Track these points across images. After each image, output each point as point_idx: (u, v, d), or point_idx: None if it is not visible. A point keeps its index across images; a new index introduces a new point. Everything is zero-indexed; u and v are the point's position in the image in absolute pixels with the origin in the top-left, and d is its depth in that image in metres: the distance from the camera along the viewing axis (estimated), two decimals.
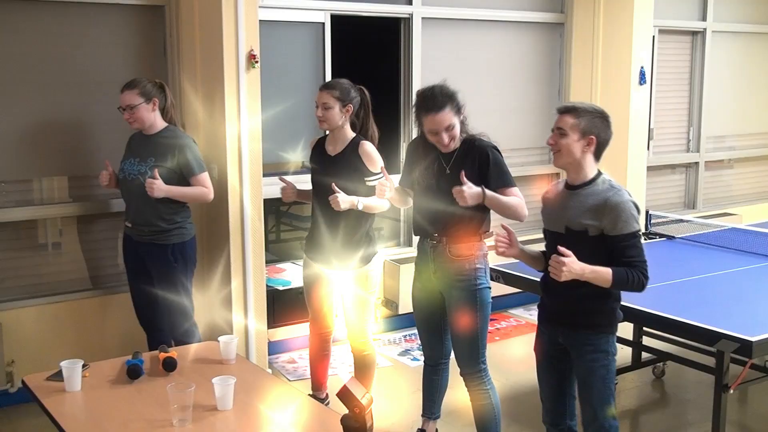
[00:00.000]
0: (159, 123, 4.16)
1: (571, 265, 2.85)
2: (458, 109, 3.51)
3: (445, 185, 3.52)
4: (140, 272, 4.24)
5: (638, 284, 2.93)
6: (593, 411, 3.06)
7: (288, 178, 4.17)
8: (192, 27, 4.69)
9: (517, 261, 3.28)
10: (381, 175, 3.85)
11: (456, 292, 3.58)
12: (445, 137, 3.47)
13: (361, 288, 3.99)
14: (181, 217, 4.18)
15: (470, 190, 3.35)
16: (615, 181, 3.05)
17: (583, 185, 3.03)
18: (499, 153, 3.55)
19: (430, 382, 3.90)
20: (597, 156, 3.05)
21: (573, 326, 3.06)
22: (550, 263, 2.91)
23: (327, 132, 4.06)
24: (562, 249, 2.87)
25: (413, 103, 3.60)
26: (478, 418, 3.69)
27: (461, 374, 3.68)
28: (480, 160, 3.49)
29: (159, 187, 3.96)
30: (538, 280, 4.16)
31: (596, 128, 3.00)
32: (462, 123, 3.55)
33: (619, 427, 3.11)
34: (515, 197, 3.50)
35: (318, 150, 4.06)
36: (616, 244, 2.92)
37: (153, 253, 4.15)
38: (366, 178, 3.87)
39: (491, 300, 3.64)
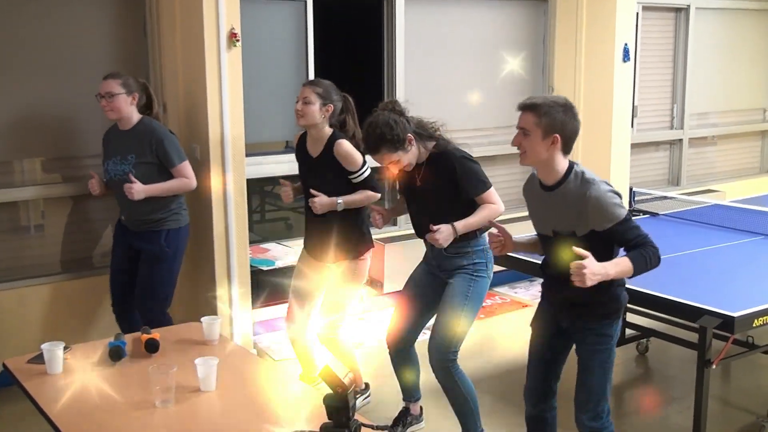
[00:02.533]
0: (135, 117, 4.13)
1: (593, 267, 2.68)
2: (397, 146, 3.44)
3: (421, 199, 3.58)
4: (127, 256, 4.25)
5: (656, 260, 2.81)
6: (589, 393, 3.01)
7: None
8: (172, 6, 4.64)
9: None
10: (365, 170, 3.87)
11: (453, 280, 3.58)
12: (393, 169, 3.52)
13: (347, 281, 3.97)
14: (176, 204, 4.20)
15: (441, 234, 3.38)
16: (588, 172, 2.88)
17: (556, 185, 2.90)
18: (469, 160, 3.51)
19: (403, 369, 3.86)
20: (566, 151, 2.88)
21: (578, 314, 2.98)
22: (571, 272, 2.72)
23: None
24: (578, 250, 2.71)
25: None
26: (454, 408, 3.65)
27: (430, 362, 3.59)
28: (448, 174, 3.47)
29: (138, 191, 3.98)
30: (523, 258, 4.21)
31: (559, 124, 2.82)
32: (422, 137, 3.53)
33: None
34: (487, 205, 3.47)
35: (301, 149, 4.03)
36: (613, 235, 2.81)
37: (146, 237, 4.17)
38: (349, 177, 3.87)
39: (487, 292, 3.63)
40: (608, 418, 3.05)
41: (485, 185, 3.49)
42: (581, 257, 2.70)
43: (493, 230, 3.15)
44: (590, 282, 2.69)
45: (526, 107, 2.88)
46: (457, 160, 3.48)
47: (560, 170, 2.89)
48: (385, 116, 3.47)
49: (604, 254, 2.81)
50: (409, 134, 3.47)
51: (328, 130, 3.90)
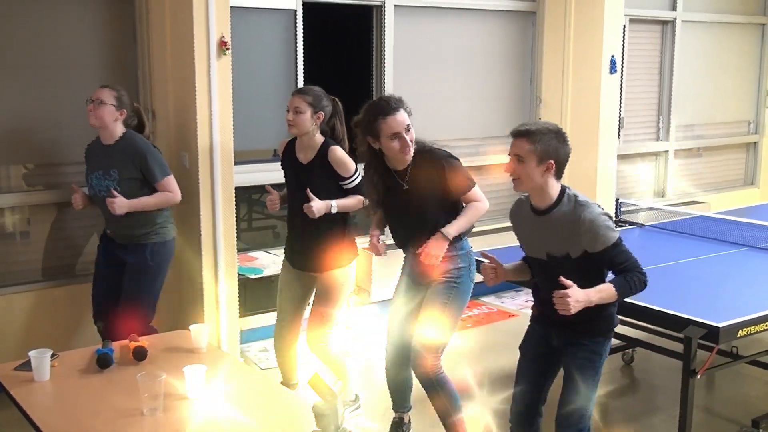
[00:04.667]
0: (118, 132, 4.10)
1: (576, 295, 2.77)
2: (409, 112, 3.50)
3: (408, 203, 3.54)
4: (111, 268, 4.21)
5: (640, 285, 2.88)
6: (572, 410, 3.01)
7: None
8: (162, 13, 4.64)
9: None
10: (357, 176, 3.86)
11: (435, 285, 3.58)
12: (407, 138, 3.44)
13: (335, 290, 3.97)
14: (162, 218, 4.17)
15: (434, 250, 3.39)
16: (581, 195, 2.94)
17: (549, 208, 2.94)
18: (454, 159, 3.52)
19: (397, 381, 3.85)
20: (558, 176, 2.93)
21: (571, 333, 3.01)
22: (554, 300, 2.80)
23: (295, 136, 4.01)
24: (563, 280, 2.79)
25: (361, 122, 3.52)
26: (439, 414, 3.65)
27: (412, 368, 3.62)
28: (436, 172, 3.47)
29: (120, 205, 3.97)
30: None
31: (554, 151, 2.88)
32: None
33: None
34: (474, 204, 3.51)
35: (289, 156, 4.01)
36: (604, 259, 2.87)
37: (131, 250, 4.14)
38: (341, 183, 3.87)
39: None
40: None
41: (472, 182, 3.52)
42: (565, 286, 2.77)
43: (486, 261, 3.16)
44: (573, 309, 2.78)
45: (520, 134, 2.90)
46: (443, 158, 3.50)
47: (553, 194, 2.93)
48: None
49: (595, 276, 2.89)
50: None
51: (320, 137, 3.90)
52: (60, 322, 4.54)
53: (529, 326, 3.24)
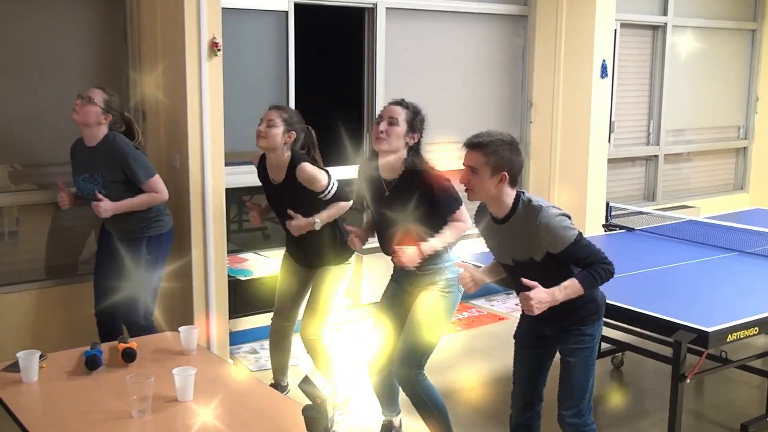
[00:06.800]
0: (101, 134, 4.07)
1: (539, 296, 2.82)
2: (413, 119, 3.49)
3: (388, 210, 3.54)
4: (110, 259, 4.20)
5: (606, 275, 2.91)
6: (570, 390, 3.06)
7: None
8: (153, 14, 4.63)
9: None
10: (332, 186, 3.87)
11: (422, 295, 3.57)
12: (382, 125, 3.45)
13: (331, 284, 3.99)
14: (154, 212, 4.16)
15: (406, 257, 3.35)
16: (535, 198, 2.97)
17: (507, 217, 2.98)
18: (445, 180, 3.49)
19: (381, 385, 3.84)
20: (513, 185, 2.97)
21: (560, 322, 3.05)
22: (519, 301, 2.87)
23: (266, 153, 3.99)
24: (525, 281, 2.83)
25: None
26: (424, 420, 3.65)
27: (395, 375, 3.62)
28: (424, 192, 3.44)
29: (105, 208, 3.97)
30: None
31: (507, 163, 2.91)
32: (413, 149, 3.53)
33: None
34: (454, 224, 3.46)
35: (262, 173, 4.03)
36: (567, 256, 2.91)
37: (128, 244, 4.13)
38: (319, 196, 3.87)
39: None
40: (590, 416, 3.11)
41: (458, 203, 3.50)
42: (529, 288, 2.82)
43: (461, 271, 3.19)
44: (537, 310, 2.83)
45: (473, 146, 2.97)
46: (434, 178, 3.47)
47: (509, 203, 2.98)
48: None
49: (563, 274, 2.92)
50: (418, 135, 3.53)
51: (287, 156, 3.89)
52: (48, 322, 4.52)
53: (521, 315, 3.25)
